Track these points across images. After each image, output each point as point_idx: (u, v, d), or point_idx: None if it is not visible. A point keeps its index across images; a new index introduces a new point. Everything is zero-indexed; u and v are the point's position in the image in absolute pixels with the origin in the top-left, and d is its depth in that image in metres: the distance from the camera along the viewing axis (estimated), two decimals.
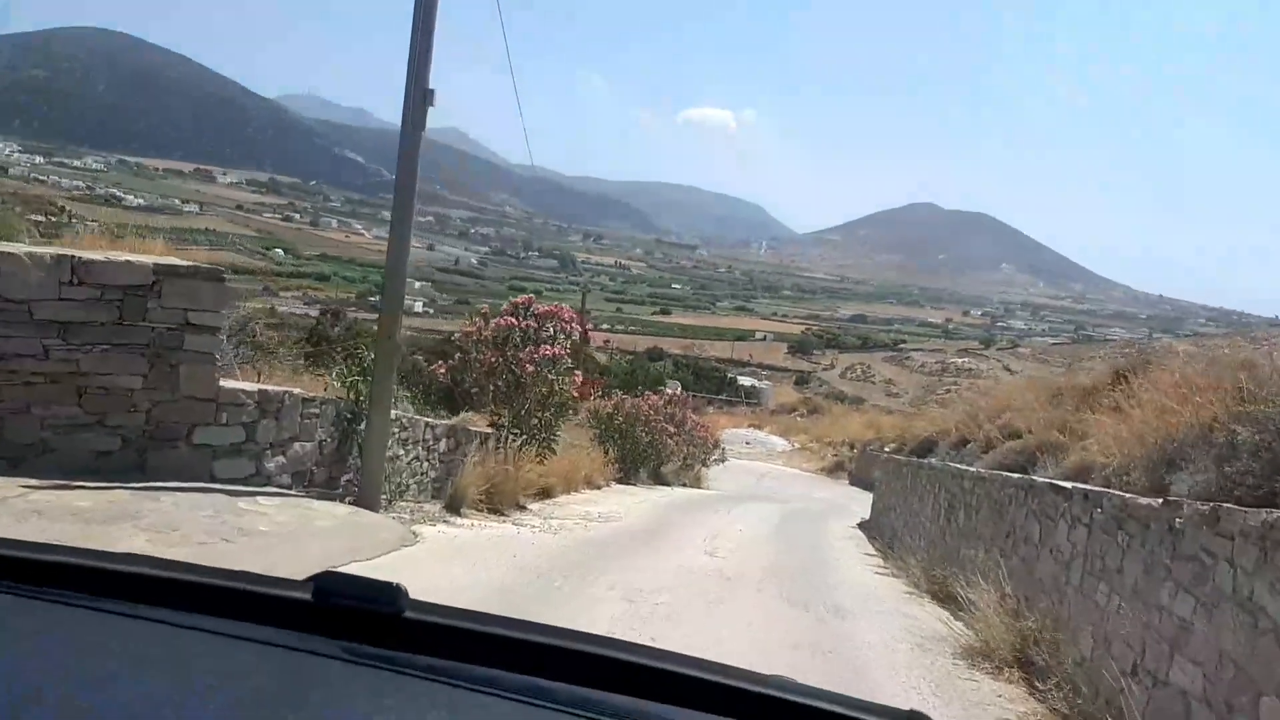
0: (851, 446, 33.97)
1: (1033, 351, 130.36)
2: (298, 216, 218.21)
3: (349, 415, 8.55)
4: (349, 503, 8.35)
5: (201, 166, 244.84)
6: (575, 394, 12.37)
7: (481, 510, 10.41)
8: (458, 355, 11.68)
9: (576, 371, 12.46)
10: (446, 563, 7.37)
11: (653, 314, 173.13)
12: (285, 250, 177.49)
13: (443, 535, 8.63)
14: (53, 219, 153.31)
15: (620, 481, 18.79)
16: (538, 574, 7.48)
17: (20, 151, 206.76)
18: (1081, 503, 6.05)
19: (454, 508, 9.92)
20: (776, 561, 10.55)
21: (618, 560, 8.78)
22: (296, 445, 8.03)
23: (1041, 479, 7.12)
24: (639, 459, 19.23)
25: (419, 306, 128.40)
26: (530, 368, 11.52)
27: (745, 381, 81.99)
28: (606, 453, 17.93)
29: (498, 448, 11.07)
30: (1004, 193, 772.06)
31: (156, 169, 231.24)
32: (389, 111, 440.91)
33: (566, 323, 12.05)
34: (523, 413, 11.79)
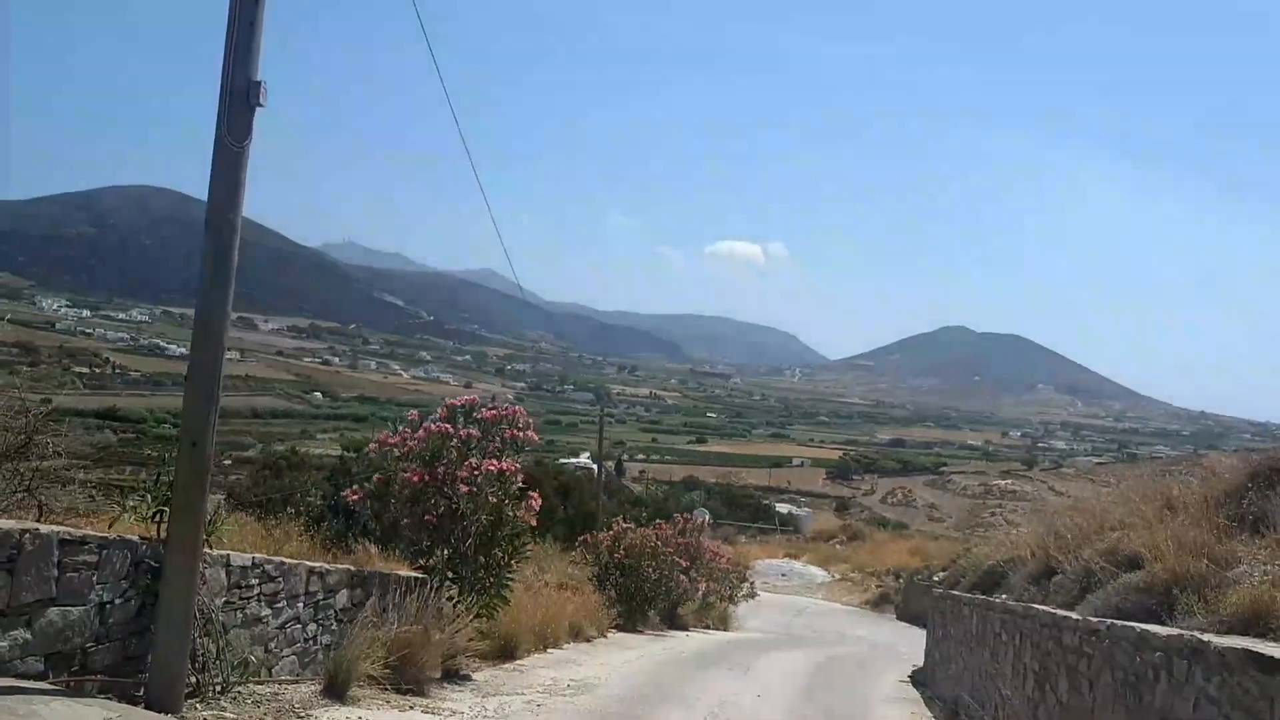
0: (897, 576, 31.01)
1: (1077, 471, 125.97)
2: (337, 360, 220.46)
3: (156, 564, 5.84)
4: (135, 700, 5.55)
5: (244, 314, 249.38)
6: (531, 523, 9.45)
7: (385, 690, 7.52)
8: (376, 477, 8.88)
9: (533, 494, 9.54)
10: None
11: (688, 443, 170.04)
12: (324, 393, 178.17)
13: None
14: (96, 370, 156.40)
15: (623, 628, 15.72)
16: None
17: (68, 306, 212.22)
18: None
19: (336, 691, 7.04)
20: None
21: None
22: (53, 612, 5.31)
23: (1223, 642, 4.22)
24: (647, 599, 16.44)
25: None
26: (465, 489, 8.65)
27: (783, 508, 78.23)
28: (608, 593, 15.31)
29: (430, 599, 8.32)
30: (1036, 313, 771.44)
31: None
32: (426, 255, 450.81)
33: (520, 430, 9.20)
34: (463, 550, 8.93)
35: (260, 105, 5.50)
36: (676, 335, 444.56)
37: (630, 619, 16.08)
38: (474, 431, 9.23)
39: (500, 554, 9.28)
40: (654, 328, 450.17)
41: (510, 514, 9.11)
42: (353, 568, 8.23)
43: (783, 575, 35.98)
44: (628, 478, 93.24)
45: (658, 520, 19.50)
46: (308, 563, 7.67)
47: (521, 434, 9.26)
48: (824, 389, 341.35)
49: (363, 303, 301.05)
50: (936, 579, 23.53)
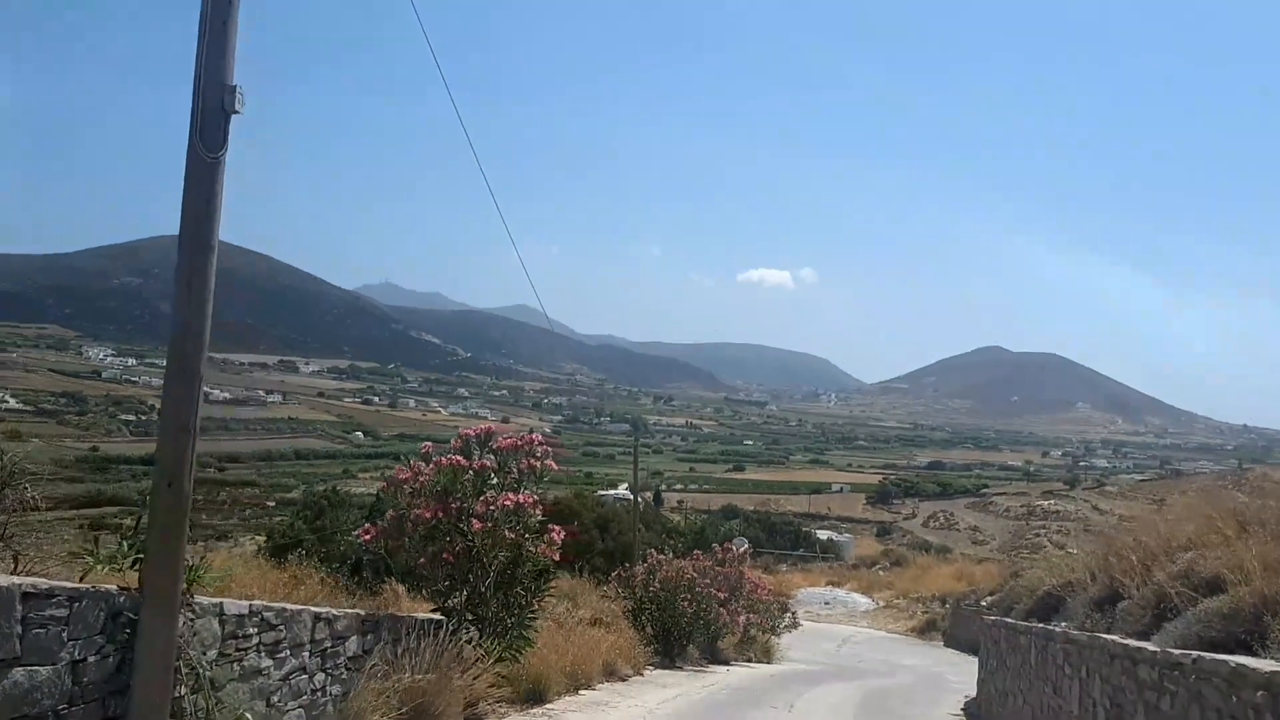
0: (943, 602, 30.10)
1: (1121, 489, 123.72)
2: (377, 399, 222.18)
3: (135, 616, 5.36)
4: None
5: (285, 358, 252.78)
6: (553, 558, 8.49)
7: None
8: (390, 514, 8.32)
9: (553, 528, 8.90)
10: None
11: (725, 472, 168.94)
12: (365, 432, 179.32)
13: None
14: (142, 417, 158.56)
15: (660, 665, 15.06)
16: None
17: (114, 355, 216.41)
18: None
19: None
20: None
21: None
22: (18, 672, 4.84)
23: None
24: (684, 634, 15.69)
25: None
26: (479, 524, 7.88)
27: (823, 535, 76.98)
28: (644, 629, 14.63)
29: (448, 642, 7.77)
30: (1073, 331, 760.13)
31: (242, 363, 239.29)
32: (462, 293, 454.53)
33: (538, 459, 8.45)
34: (483, 590, 8.35)
35: (237, 112, 5.06)
36: (710, 363, 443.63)
37: (668, 654, 15.41)
38: (489, 462, 8.28)
39: (522, 592, 8.58)
40: (688, 356, 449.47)
41: (531, 550, 8.36)
42: (363, 612, 7.64)
43: (825, 603, 35.20)
44: (666, 508, 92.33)
45: (695, 550, 18.80)
46: (312, 608, 7.15)
47: (540, 463, 8.48)
48: (860, 413, 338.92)
49: (401, 342, 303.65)
50: (985, 604, 22.69)
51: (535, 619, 8.97)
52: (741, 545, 33.25)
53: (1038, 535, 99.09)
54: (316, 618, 7.20)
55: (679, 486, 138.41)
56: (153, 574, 5.17)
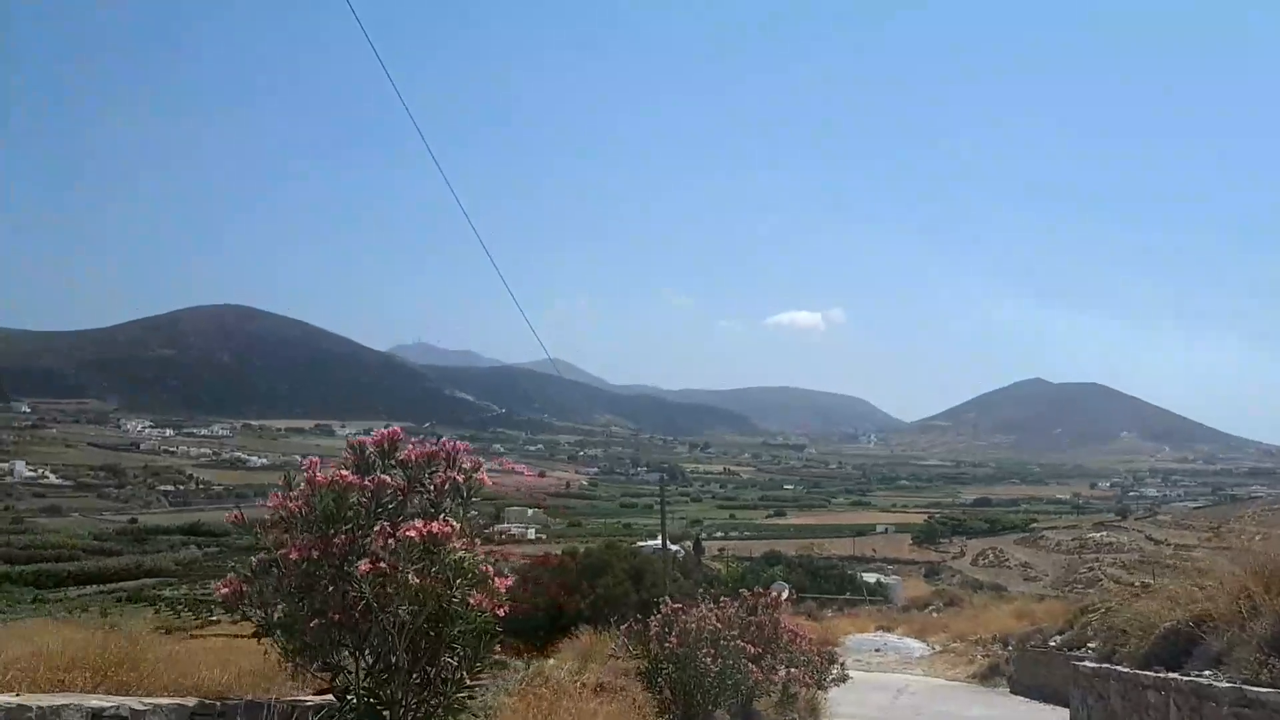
0: (1005, 643, 28.24)
1: (1174, 518, 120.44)
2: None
3: None
4: None
5: (321, 422, 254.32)
6: (496, 611, 5.53)
7: None
8: (257, 559, 5.59)
9: (495, 570, 5.64)
10: None
11: (766, 518, 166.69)
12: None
13: None
14: (180, 487, 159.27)
15: None
16: None
17: (151, 426, 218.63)
18: None
19: None
20: None
21: None
22: None
23: None
24: (709, 697, 12.64)
25: (531, 534, 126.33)
26: (366, 566, 5.12)
27: (870, 578, 74.77)
28: (660, 692, 12.04)
29: None
30: (1114, 360, 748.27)
31: (279, 429, 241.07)
32: (495, 351, 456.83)
33: (462, 474, 5.88)
34: (393, 661, 5.42)
35: None
36: (745, 408, 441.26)
37: None
38: (392, 479, 5.69)
39: (453, 662, 5.57)
40: (722, 403, 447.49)
41: (457, 601, 5.35)
42: (192, 701, 5.68)
43: (876, 650, 33.41)
44: (707, 556, 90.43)
45: (722, 597, 16.84)
46: (93, 700, 5.22)
47: (466, 478, 5.91)
48: (901, 452, 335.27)
49: (435, 401, 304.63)
50: (1053, 643, 20.91)
51: (468, 698, 5.86)
52: (782, 590, 31.44)
53: (1091, 569, 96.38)
54: (97, 715, 5.05)
55: (719, 534, 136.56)
56: None
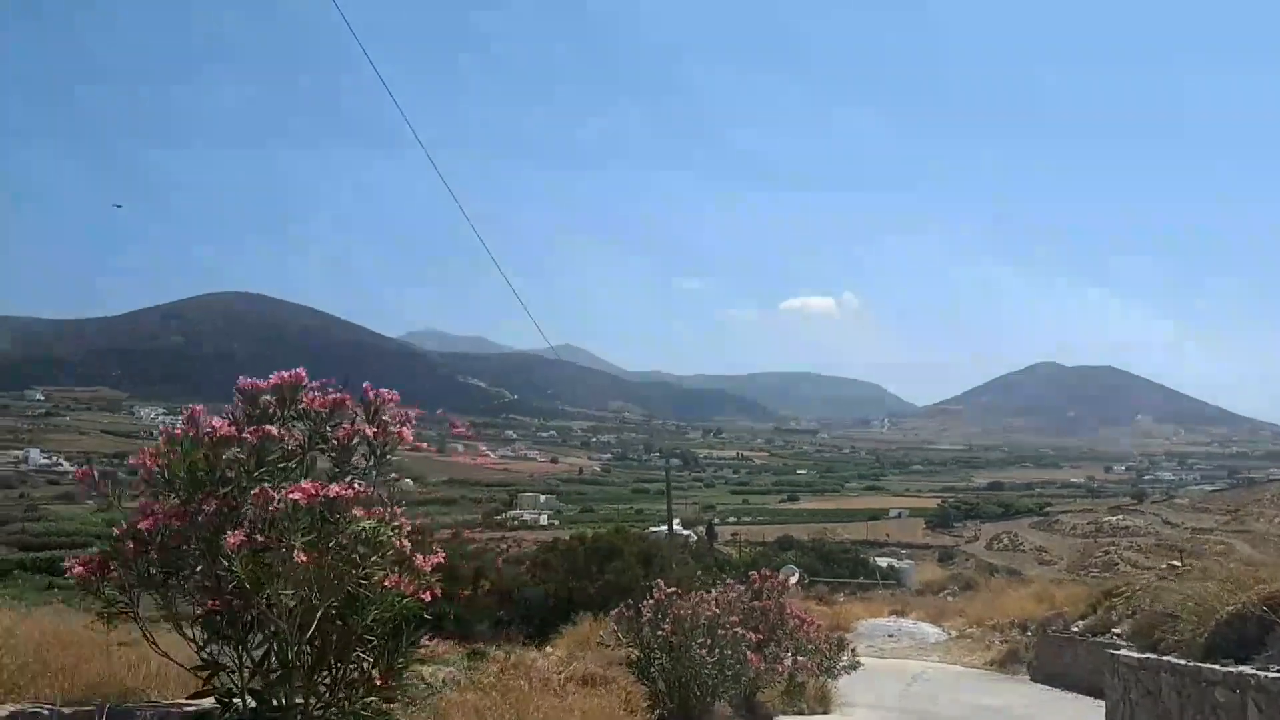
0: (1024, 628, 27.55)
1: (1190, 501, 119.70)
2: (425, 445, 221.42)
3: None
4: None
5: None
6: (422, 595, 4.27)
7: None
8: (118, 529, 4.25)
9: (425, 553, 4.41)
10: None
11: (779, 502, 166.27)
12: (413, 479, 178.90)
13: None
14: None
15: None
16: None
17: (164, 414, 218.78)
18: None
19: None
20: None
21: None
22: None
23: None
24: (706, 688, 11.73)
25: (544, 520, 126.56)
26: (234, 539, 3.79)
27: (883, 562, 74.36)
28: (654, 683, 11.22)
29: None
30: (1129, 343, 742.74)
31: None
32: (507, 337, 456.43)
33: (381, 427, 4.90)
34: (290, 657, 4.13)
35: None
36: (758, 394, 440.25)
37: (687, 716, 11.81)
38: (287, 432, 4.45)
39: (373, 658, 4.37)
40: (735, 388, 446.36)
41: (367, 583, 4.10)
42: (31, 708, 4.41)
43: (890, 635, 32.84)
44: (720, 541, 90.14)
45: (725, 580, 15.50)
46: None
47: (382, 433, 4.79)
48: (914, 437, 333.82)
49: (447, 387, 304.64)
50: (1076, 629, 20.36)
51: (390, 702, 4.44)
52: (791, 574, 30.98)
53: (1107, 553, 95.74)
54: None
55: (732, 520, 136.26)
56: None
